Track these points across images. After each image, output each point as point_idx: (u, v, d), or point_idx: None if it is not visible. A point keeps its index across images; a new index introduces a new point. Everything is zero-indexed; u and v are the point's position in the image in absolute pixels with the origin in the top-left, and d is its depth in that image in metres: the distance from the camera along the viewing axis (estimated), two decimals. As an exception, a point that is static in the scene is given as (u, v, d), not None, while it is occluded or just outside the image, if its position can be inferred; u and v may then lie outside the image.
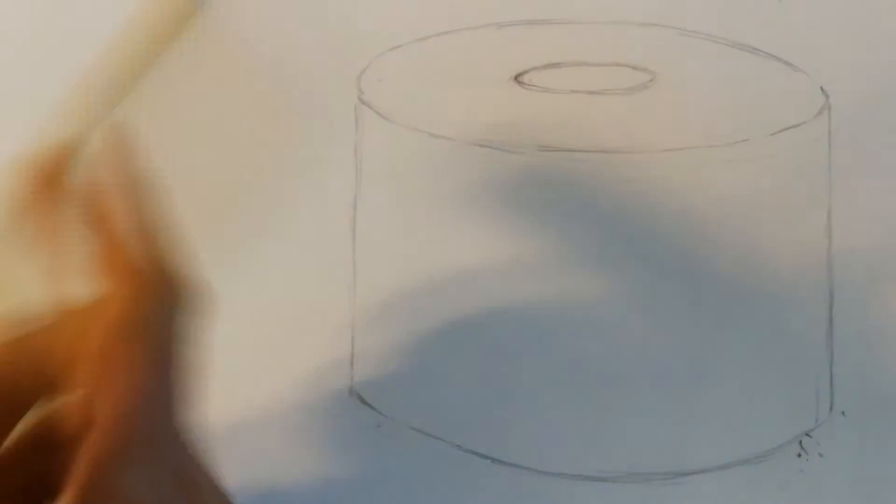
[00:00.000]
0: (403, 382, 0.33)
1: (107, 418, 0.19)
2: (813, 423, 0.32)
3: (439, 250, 0.33)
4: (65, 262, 0.24)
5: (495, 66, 0.34)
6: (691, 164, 0.33)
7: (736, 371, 0.32)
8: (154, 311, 0.20)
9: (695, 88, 0.33)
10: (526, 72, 0.34)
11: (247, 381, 0.34)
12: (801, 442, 0.32)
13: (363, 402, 0.34)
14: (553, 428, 0.32)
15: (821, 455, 0.32)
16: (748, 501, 0.32)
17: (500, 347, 0.32)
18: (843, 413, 0.33)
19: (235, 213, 0.34)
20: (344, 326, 0.34)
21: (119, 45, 0.29)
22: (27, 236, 0.25)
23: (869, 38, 0.34)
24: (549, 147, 0.33)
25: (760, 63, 0.34)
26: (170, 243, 0.24)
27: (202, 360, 0.21)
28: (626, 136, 0.33)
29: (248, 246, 0.34)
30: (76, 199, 0.25)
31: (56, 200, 0.25)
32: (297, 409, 0.34)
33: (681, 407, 0.32)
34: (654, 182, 0.32)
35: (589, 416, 0.32)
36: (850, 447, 0.33)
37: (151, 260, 0.22)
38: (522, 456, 0.32)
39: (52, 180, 0.25)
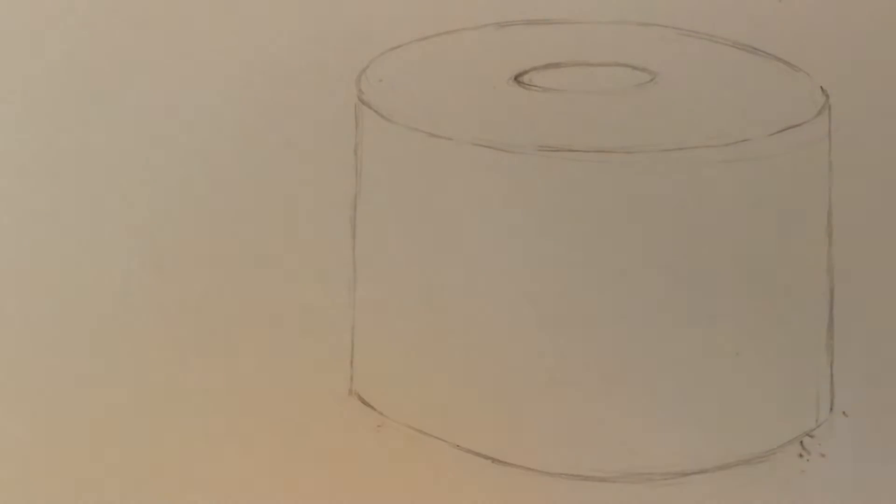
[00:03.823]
0: (403, 382, 0.33)
1: None
2: (814, 424, 0.32)
3: (439, 250, 0.33)
4: None
5: (495, 66, 0.34)
6: (691, 164, 0.33)
7: (736, 371, 0.32)
8: None
9: (695, 88, 0.33)
10: (526, 72, 0.34)
11: (247, 380, 0.34)
12: (802, 442, 0.32)
13: (363, 402, 0.34)
14: (553, 428, 0.32)
15: (822, 455, 0.32)
16: (748, 502, 0.32)
17: (501, 347, 0.32)
18: (844, 413, 0.33)
19: (236, 212, 0.34)
20: (344, 326, 0.34)
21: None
22: None
23: (869, 38, 0.34)
24: (549, 147, 0.33)
25: (760, 63, 0.34)
26: None
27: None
28: (626, 136, 0.33)
29: (248, 245, 0.34)
30: None
31: None
32: (297, 410, 0.34)
33: (681, 407, 0.32)
34: (653, 182, 0.32)
35: (588, 416, 0.32)
36: (851, 447, 0.32)
37: None
38: (522, 456, 0.32)
39: None
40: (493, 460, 0.33)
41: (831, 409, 0.33)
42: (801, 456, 0.32)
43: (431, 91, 0.34)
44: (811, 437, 0.32)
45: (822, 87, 0.33)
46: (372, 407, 0.33)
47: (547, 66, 0.34)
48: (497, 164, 0.33)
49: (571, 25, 0.34)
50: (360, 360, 0.34)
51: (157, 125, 0.34)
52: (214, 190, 0.34)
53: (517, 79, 0.34)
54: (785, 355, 0.32)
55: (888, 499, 0.32)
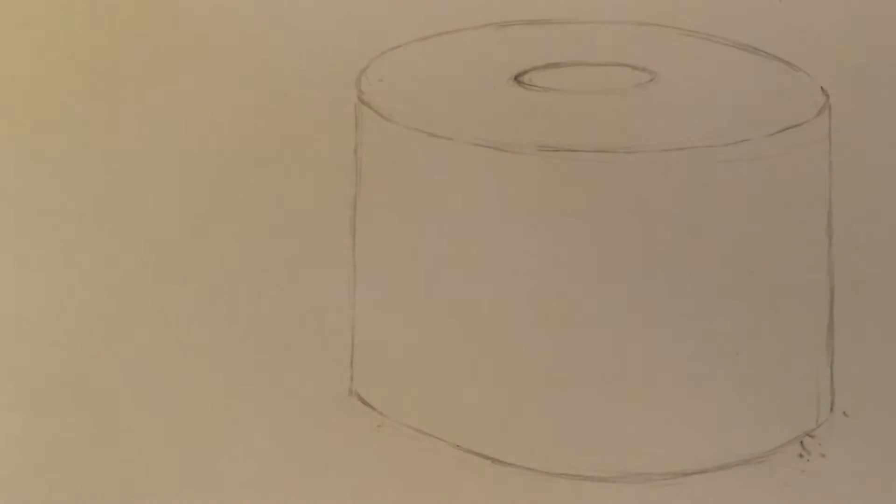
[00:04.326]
0: (403, 382, 0.33)
1: None
2: (814, 424, 0.32)
3: (439, 250, 0.33)
4: None
5: (495, 66, 0.34)
6: (691, 164, 0.33)
7: (736, 371, 0.32)
8: None
9: (695, 88, 0.33)
10: (526, 72, 0.34)
11: (247, 381, 0.34)
12: (802, 442, 0.32)
13: (363, 402, 0.34)
14: (553, 428, 0.32)
15: (822, 455, 0.32)
16: (748, 502, 0.32)
17: (501, 347, 0.32)
18: (844, 413, 0.33)
19: (236, 212, 0.34)
20: (344, 326, 0.34)
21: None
22: None
23: (869, 38, 0.34)
24: (549, 147, 0.33)
25: (760, 63, 0.34)
26: None
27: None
28: (626, 136, 0.33)
29: (248, 245, 0.34)
30: None
31: None
32: (297, 410, 0.34)
33: (681, 407, 0.32)
34: (654, 182, 0.32)
35: (588, 416, 0.32)
36: (852, 447, 0.32)
37: None
38: (522, 456, 0.32)
39: None
40: (493, 460, 0.33)
41: (831, 409, 0.33)
42: (801, 456, 0.32)
43: (431, 91, 0.34)
44: (811, 437, 0.32)
45: (822, 87, 0.33)
46: (372, 407, 0.33)
47: (547, 66, 0.34)
48: (497, 164, 0.33)
49: (571, 25, 0.34)
50: (360, 360, 0.34)
51: (157, 125, 0.34)
52: (214, 190, 0.34)
53: (517, 79, 0.34)
54: (785, 355, 0.32)
55: (888, 499, 0.32)
